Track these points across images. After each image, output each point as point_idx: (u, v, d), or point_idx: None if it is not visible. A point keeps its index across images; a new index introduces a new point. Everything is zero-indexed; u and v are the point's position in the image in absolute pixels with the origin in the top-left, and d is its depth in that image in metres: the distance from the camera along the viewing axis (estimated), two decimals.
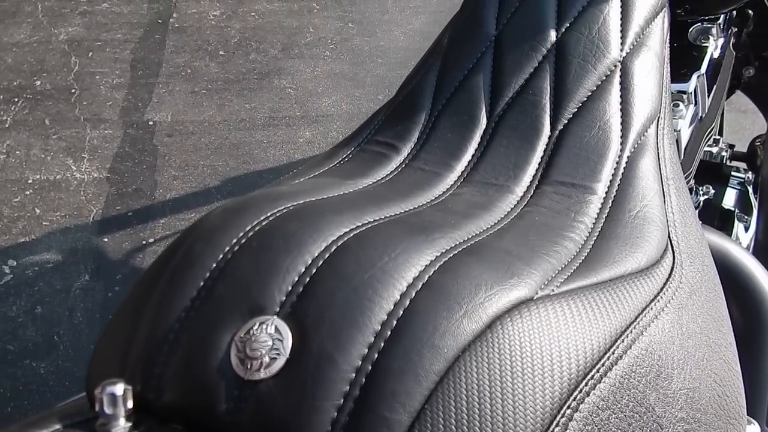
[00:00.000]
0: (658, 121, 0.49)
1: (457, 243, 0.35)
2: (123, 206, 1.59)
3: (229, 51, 2.15)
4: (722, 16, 0.66)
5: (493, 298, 0.30)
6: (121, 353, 0.33)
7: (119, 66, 2.04)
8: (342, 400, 0.28)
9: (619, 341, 0.32)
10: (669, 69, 0.54)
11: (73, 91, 1.93)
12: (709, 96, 0.65)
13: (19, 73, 1.99)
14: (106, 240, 1.51)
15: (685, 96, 0.60)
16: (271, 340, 0.30)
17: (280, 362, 0.29)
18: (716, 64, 0.67)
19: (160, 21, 2.27)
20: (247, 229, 0.35)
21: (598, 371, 0.31)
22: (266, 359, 0.29)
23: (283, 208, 0.36)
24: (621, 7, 0.52)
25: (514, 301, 0.31)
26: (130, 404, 0.30)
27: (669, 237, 0.43)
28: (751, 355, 0.62)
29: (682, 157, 0.62)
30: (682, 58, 0.63)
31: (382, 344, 0.29)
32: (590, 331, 0.32)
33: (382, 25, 2.27)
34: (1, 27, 2.19)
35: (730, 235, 0.85)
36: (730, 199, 0.89)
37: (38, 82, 1.96)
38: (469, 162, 0.47)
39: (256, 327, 0.30)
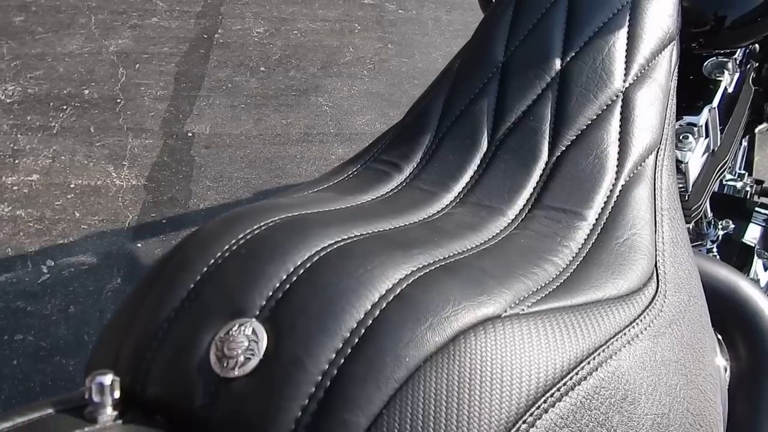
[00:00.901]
0: (657, 151, 0.50)
1: (436, 260, 0.36)
2: (158, 214, 1.64)
3: (269, 67, 2.20)
4: (739, 50, 0.66)
5: (459, 313, 0.32)
6: (116, 347, 0.36)
7: (164, 78, 2.11)
8: (307, 401, 0.29)
9: (584, 362, 0.33)
10: (675, 101, 0.55)
11: (118, 100, 2.01)
12: (722, 130, 0.65)
13: (70, 81, 2.08)
14: (139, 245, 1.56)
15: (695, 129, 0.61)
16: (247, 341, 0.32)
17: (254, 362, 0.31)
18: (732, 99, 0.67)
19: (205, 36, 2.35)
20: (239, 237, 0.37)
21: (558, 390, 0.32)
22: (241, 359, 0.31)
23: (276, 219, 0.38)
24: (627, 38, 0.53)
25: (481, 318, 0.32)
26: (117, 394, 0.32)
27: (656, 266, 0.43)
28: (756, 393, 0.61)
29: (690, 189, 0.62)
30: (695, 91, 0.63)
31: (349, 351, 0.30)
32: (555, 351, 0.33)
33: (421, 47, 2.30)
34: (56, 37, 2.30)
35: (748, 272, 0.84)
36: (752, 235, 0.88)
37: (86, 91, 2.04)
38: (467, 184, 0.49)
39: (235, 328, 0.32)
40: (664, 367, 0.38)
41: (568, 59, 0.52)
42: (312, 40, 2.36)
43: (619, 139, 0.49)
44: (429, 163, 0.51)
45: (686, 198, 0.63)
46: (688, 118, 0.61)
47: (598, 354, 0.34)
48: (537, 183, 0.47)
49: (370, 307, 0.32)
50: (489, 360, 0.31)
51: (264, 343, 0.31)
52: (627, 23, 0.53)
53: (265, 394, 0.30)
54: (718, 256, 0.85)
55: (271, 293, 0.33)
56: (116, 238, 1.58)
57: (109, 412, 0.32)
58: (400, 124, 0.57)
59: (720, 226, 0.85)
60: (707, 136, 0.61)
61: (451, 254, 0.37)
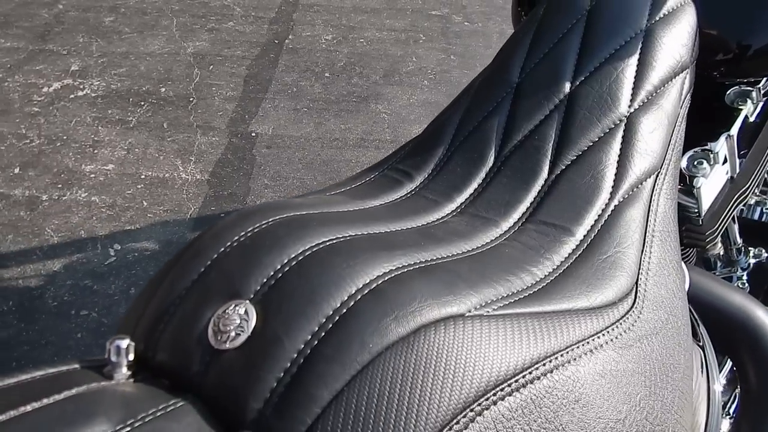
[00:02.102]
0: (657, 175, 0.52)
1: (417, 262, 0.40)
2: (217, 207, 1.74)
3: (334, 73, 2.28)
4: (765, 79, 0.67)
5: (424, 309, 0.36)
6: (136, 318, 0.41)
7: (234, 80, 2.22)
8: (282, 374, 0.34)
9: (539, 364, 0.36)
10: (684, 127, 0.56)
11: (191, 99, 2.13)
12: (742, 158, 0.65)
13: (149, 79, 2.22)
14: None
15: (711, 155, 0.62)
16: (239, 320, 0.37)
17: (243, 338, 0.36)
18: (756, 127, 0.67)
19: (276, 41, 2.45)
20: (248, 230, 0.42)
21: (509, 385, 0.35)
22: (232, 334, 0.36)
23: (284, 215, 0.43)
24: (638, 66, 0.55)
25: (444, 315, 0.36)
26: (131, 357, 0.38)
27: (637, 284, 0.46)
28: (763, 417, 0.62)
29: (703, 213, 0.63)
30: (715, 118, 0.64)
31: (323, 334, 0.35)
32: (511, 350, 0.36)
33: (484, 59, 2.33)
34: (140, 38, 2.46)
35: None
36: None
37: (163, 89, 2.18)
38: (470, 196, 0.52)
39: (231, 308, 0.37)
40: (626, 377, 0.40)
41: (578, 83, 0.55)
42: (377, 48, 2.42)
43: (617, 162, 0.51)
44: (439, 174, 0.55)
45: (700, 222, 0.64)
46: (705, 145, 0.62)
47: (556, 358, 0.37)
48: (534, 199, 0.50)
49: (346, 298, 0.36)
50: (445, 352, 0.34)
51: (253, 322, 0.36)
52: (639, 51, 0.55)
53: (247, 365, 0.35)
54: (747, 284, 0.84)
55: (265, 280, 0.38)
56: (178, 227, 1.68)
57: (124, 371, 0.38)
58: (420, 136, 0.61)
59: (752, 254, 0.84)
60: (725, 162, 0.62)
61: (434, 258, 0.41)
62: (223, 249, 0.41)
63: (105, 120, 2.04)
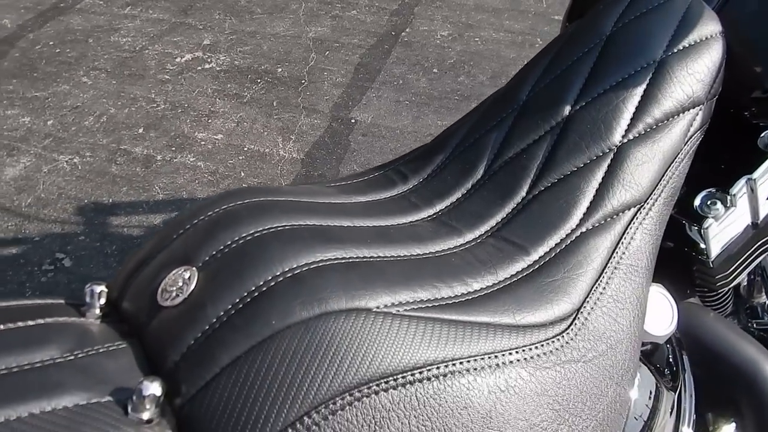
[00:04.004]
0: (639, 209, 0.51)
1: (351, 257, 0.44)
2: None
3: (442, 70, 2.31)
4: None
5: (332, 298, 0.39)
6: (120, 272, 0.48)
7: (346, 67, 2.31)
8: (199, 335, 0.39)
9: (433, 366, 0.39)
10: (686, 164, 0.55)
11: (302, 82, 2.25)
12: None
13: (269, 59, 2.37)
14: None
15: (728, 198, 0.59)
16: (182, 283, 0.42)
17: (180, 299, 0.41)
18: None
19: (393, 33, 2.51)
20: (221, 208, 0.47)
21: (395, 379, 0.38)
22: (174, 294, 0.42)
23: (255, 200, 0.48)
24: (642, 97, 0.54)
25: (351, 307, 0.39)
26: (102, 300, 0.45)
27: (578, 311, 0.46)
28: None
29: (712, 257, 0.61)
30: (738, 159, 0.61)
31: (240, 306, 0.40)
32: (406, 349, 0.39)
33: None
34: (269, 19, 2.62)
35: None
36: None
37: (279, 70, 2.31)
38: (450, 204, 0.55)
39: (181, 271, 0.43)
40: (533, 397, 0.41)
41: (578, 107, 0.55)
42: (491, 49, 2.42)
43: (596, 190, 0.51)
44: (430, 180, 0.57)
45: (710, 265, 0.61)
46: (726, 186, 0.60)
47: (453, 364, 0.40)
48: (505, 216, 0.52)
49: (270, 278, 0.41)
50: (338, 338, 0.38)
51: (192, 286, 0.42)
52: (647, 82, 0.54)
53: (176, 323, 0.40)
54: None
55: (214, 252, 0.43)
56: None
57: (96, 312, 0.45)
58: (430, 143, 0.64)
59: None
60: (736, 206, 0.60)
61: (371, 256, 0.45)
62: (195, 221, 0.47)
63: (223, 93, 2.20)
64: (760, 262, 0.68)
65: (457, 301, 0.44)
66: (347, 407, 0.37)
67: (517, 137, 0.56)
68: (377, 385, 0.38)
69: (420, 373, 0.39)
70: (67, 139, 2.02)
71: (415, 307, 0.42)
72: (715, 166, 0.62)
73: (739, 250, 0.63)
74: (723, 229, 0.60)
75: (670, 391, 0.58)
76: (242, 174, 1.88)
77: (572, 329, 0.45)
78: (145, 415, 0.37)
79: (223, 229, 0.45)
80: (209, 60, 2.38)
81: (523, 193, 0.53)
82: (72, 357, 0.39)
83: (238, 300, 0.40)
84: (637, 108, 0.54)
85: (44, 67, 2.35)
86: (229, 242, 0.44)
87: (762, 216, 0.62)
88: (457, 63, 2.34)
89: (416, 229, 0.51)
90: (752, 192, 0.60)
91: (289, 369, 0.37)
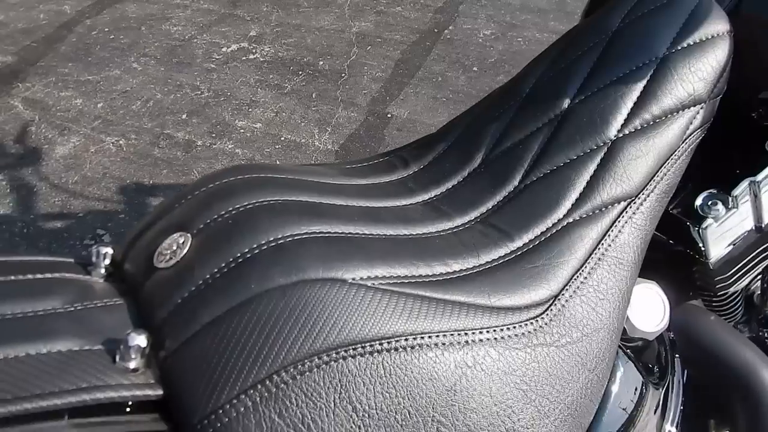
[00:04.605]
0: (630, 204, 0.52)
1: (336, 231, 0.46)
2: None
3: (482, 69, 2.31)
4: None
5: (309, 268, 0.42)
6: (127, 236, 0.52)
7: (386, 62, 2.34)
8: (186, 295, 0.42)
9: (402, 338, 0.41)
10: (684, 162, 0.55)
11: (342, 75, 2.29)
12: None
13: (311, 52, 2.41)
14: None
15: (729, 199, 0.59)
16: (176, 247, 0.45)
17: (173, 262, 0.44)
18: None
19: (436, 30, 2.52)
20: (222, 181, 0.50)
21: (363, 347, 0.40)
22: (168, 257, 0.45)
23: (256, 175, 0.51)
24: (641, 93, 0.55)
25: (327, 277, 0.42)
26: (107, 261, 0.48)
27: (556, 298, 0.47)
28: None
29: (712, 258, 0.61)
30: (744, 162, 0.60)
31: (225, 270, 0.42)
32: (378, 319, 0.41)
33: None
34: (314, 13, 2.66)
35: None
36: None
37: (321, 63, 2.35)
38: (445, 191, 0.56)
39: (177, 237, 0.46)
40: (501, 376, 0.43)
41: (577, 101, 0.56)
42: (533, 49, 2.40)
43: (587, 182, 0.52)
44: (429, 167, 0.59)
45: (710, 267, 0.61)
46: (729, 188, 0.60)
47: (423, 338, 0.41)
48: (496, 203, 0.53)
49: (254, 246, 0.43)
50: (311, 305, 0.40)
51: (185, 251, 0.45)
52: (647, 78, 0.55)
53: (167, 283, 0.43)
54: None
55: (209, 220, 0.46)
56: None
57: (102, 271, 0.48)
58: (435, 132, 0.65)
59: None
60: (737, 207, 0.59)
61: (356, 233, 0.47)
62: (197, 192, 0.50)
63: (265, 83, 2.26)
64: None
65: (434, 279, 0.45)
66: (315, 369, 0.39)
67: (515, 128, 0.57)
68: (345, 351, 0.40)
69: (388, 343, 0.41)
70: (115, 121, 2.11)
71: (391, 281, 0.43)
72: (720, 167, 0.62)
73: (741, 253, 0.62)
74: (723, 231, 0.60)
75: (657, 388, 0.58)
76: (277, 162, 1.92)
77: (547, 314, 0.46)
78: (131, 364, 0.40)
79: (218, 200, 0.48)
80: (254, 51, 2.43)
81: (516, 183, 0.54)
82: (72, 309, 0.43)
83: (223, 264, 0.43)
84: (635, 104, 0.54)
85: (98, 52, 2.45)
86: (223, 212, 0.46)
87: (766, 220, 0.61)
88: (497, 62, 2.34)
89: (406, 211, 0.53)
90: (755, 195, 0.59)
91: (263, 330, 0.40)
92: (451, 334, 0.43)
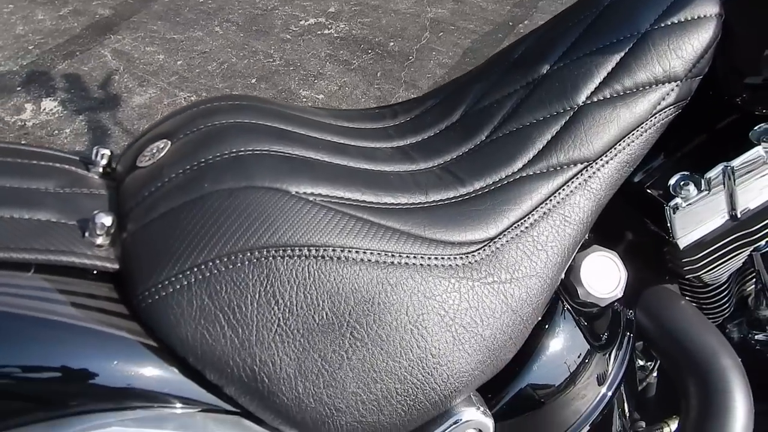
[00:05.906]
0: (587, 168, 0.54)
1: (296, 153, 0.51)
2: None
3: None
4: None
5: (258, 176, 0.47)
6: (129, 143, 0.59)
7: (454, 50, 2.36)
8: (153, 190, 0.48)
9: (323, 249, 0.45)
10: (653, 137, 0.56)
11: (410, 58, 2.33)
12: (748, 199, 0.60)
13: (384, 33, 2.46)
14: None
15: (702, 181, 0.59)
16: (156, 151, 0.51)
17: (149, 163, 0.50)
18: None
19: (510, 23, 2.52)
20: (219, 103, 0.56)
21: (293, 250, 0.45)
22: (146, 159, 0.51)
23: (247, 103, 0.56)
24: (616, 64, 0.56)
25: (272, 186, 0.46)
26: (104, 161, 0.55)
27: (492, 240, 0.50)
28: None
29: (678, 237, 0.61)
30: (725, 148, 0.60)
31: (188, 171, 0.48)
32: (309, 227, 0.46)
33: None
34: None
35: None
36: None
37: (391, 44, 2.40)
38: (420, 140, 0.60)
39: (159, 143, 0.52)
40: (420, 298, 0.47)
41: (555, 67, 0.58)
42: None
43: (547, 142, 0.54)
44: (414, 119, 0.63)
45: (678, 247, 0.62)
46: (703, 169, 0.60)
47: (350, 251, 0.46)
48: (461, 154, 0.57)
49: (218, 155, 0.49)
50: (253, 207, 0.45)
51: (162, 154, 0.51)
52: (625, 51, 0.56)
53: (140, 178, 0.50)
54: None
55: (189, 132, 0.52)
56: None
57: (99, 170, 0.55)
58: (434, 89, 0.69)
59: None
60: (710, 190, 0.60)
61: (314, 158, 0.51)
62: (188, 111, 0.56)
63: (334, 58, 2.33)
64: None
65: (377, 206, 0.49)
66: (246, 263, 0.44)
67: (497, 88, 0.60)
68: (276, 251, 0.45)
69: (317, 251, 0.45)
70: (190, 79, 2.23)
71: (332, 200, 0.48)
72: (701, 151, 0.62)
73: (713, 239, 0.63)
74: (694, 213, 0.61)
75: (603, 356, 0.60)
76: None
77: (479, 253, 0.49)
78: (98, 240, 0.46)
79: (201, 116, 0.53)
80: (329, 26, 2.51)
81: (483, 137, 0.57)
82: (60, 191, 0.50)
83: (188, 167, 0.48)
84: (609, 74, 0.56)
85: (186, 14, 2.60)
86: (201, 126, 0.52)
87: (740, 208, 0.61)
88: None
89: (375, 151, 0.57)
90: (729, 179, 0.60)
91: (206, 223, 0.45)
92: (379, 254, 0.47)
